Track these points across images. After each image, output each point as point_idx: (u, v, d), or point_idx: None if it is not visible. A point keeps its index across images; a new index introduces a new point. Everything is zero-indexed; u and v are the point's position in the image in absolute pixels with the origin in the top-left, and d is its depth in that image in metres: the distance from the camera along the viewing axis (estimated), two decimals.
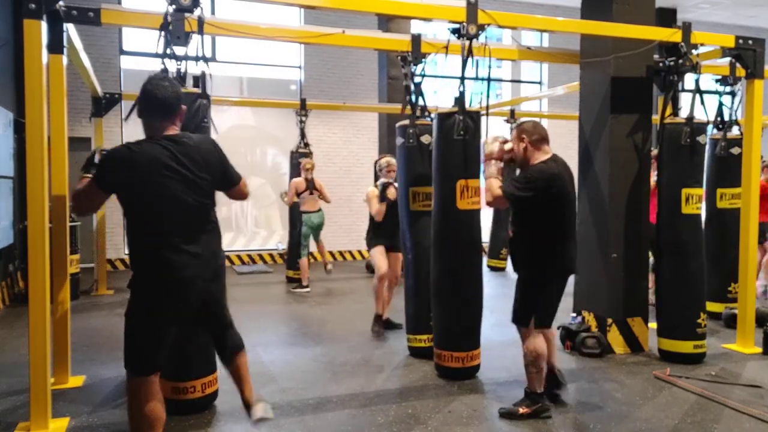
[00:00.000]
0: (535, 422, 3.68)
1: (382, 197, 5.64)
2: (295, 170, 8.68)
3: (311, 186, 7.91)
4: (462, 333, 4.44)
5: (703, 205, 6.45)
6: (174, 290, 2.76)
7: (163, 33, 3.81)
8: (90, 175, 2.84)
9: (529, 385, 3.79)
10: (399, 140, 4.98)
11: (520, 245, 3.79)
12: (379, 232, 5.78)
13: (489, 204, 3.84)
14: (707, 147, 6.30)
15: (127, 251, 10.96)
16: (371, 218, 5.83)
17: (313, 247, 8.31)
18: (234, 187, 3.05)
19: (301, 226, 7.98)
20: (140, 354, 2.76)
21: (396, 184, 5.70)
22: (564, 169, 3.75)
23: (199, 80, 3.87)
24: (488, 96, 4.40)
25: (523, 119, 10.96)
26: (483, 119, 4.44)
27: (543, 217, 3.66)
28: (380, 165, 5.85)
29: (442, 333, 4.51)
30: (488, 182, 3.80)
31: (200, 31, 3.77)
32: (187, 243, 2.74)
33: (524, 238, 3.75)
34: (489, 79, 4.39)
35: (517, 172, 4.00)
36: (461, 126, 4.29)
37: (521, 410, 3.72)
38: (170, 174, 2.70)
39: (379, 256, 5.73)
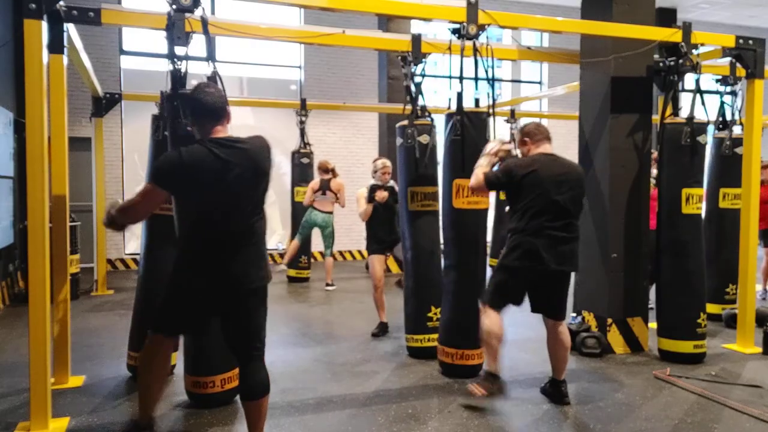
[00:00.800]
0: (534, 422, 3.69)
1: (370, 198, 5.68)
2: (297, 170, 8.68)
3: (325, 187, 7.92)
4: (466, 331, 4.46)
5: (704, 204, 6.47)
6: (204, 275, 2.88)
7: (167, 34, 3.80)
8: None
9: (486, 361, 3.88)
10: (398, 140, 5.00)
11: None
12: (376, 237, 5.79)
13: (472, 189, 3.98)
14: (711, 146, 6.34)
15: (127, 251, 10.87)
16: (368, 223, 5.82)
17: (316, 246, 8.30)
18: None
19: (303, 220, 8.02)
20: (162, 314, 3.05)
21: (391, 184, 5.74)
22: (550, 167, 3.77)
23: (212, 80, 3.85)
24: (494, 97, 4.43)
25: (523, 120, 11.00)
26: (488, 119, 4.47)
27: (515, 206, 3.81)
28: (375, 166, 5.87)
29: (447, 331, 4.56)
30: (475, 170, 3.93)
31: (205, 32, 3.75)
32: (225, 252, 2.84)
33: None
34: (493, 79, 4.40)
35: None
36: (458, 126, 4.35)
37: (474, 389, 3.81)
38: (213, 178, 2.78)
39: (376, 264, 5.73)
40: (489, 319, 3.80)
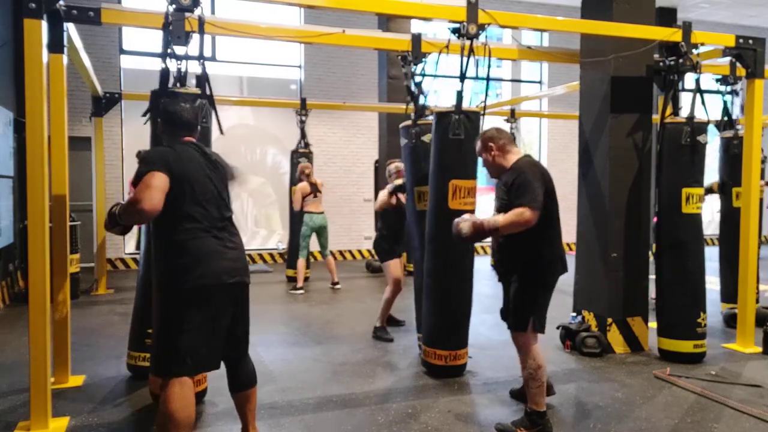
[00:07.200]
0: None
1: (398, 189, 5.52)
2: (296, 169, 8.68)
3: (315, 189, 7.95)
4: (449, 331, 4.47)
5: (719, 204, 6.46)
6: (216, 276, 2.81)
7: (163, 33, 3.81)
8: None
9: (530, 401, 3.47)
10: (403, 140, 4.99)
11: (514, 249, 3.50)
12: (396, 241, 5.63)
13: (529, 222, 3.31)
14: (721, 145, 6.33)
15: (127, 251, 10.83)
16: (384, 226, 5.70)
17: (312, 246, 8.32)
18: None
19: (301, 226, 7.99)
20: (190, 352, 2.77)
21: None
22: (543, 168, 3.61)
23: (200, 80, 3.87)
24: (486, 95, 4.41)
25: (523, 120, 10.97)
26: (482, 119, 4.46)
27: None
28: (389, 171, 5.79)
29: (432, 331, 4.56)
30: (503, 218, 3.36)
31: (201, 31, 3.76)
32: (224, 237, 2.88)
33: (519, 241, 3.42)
34: (488, 79, 4.39)
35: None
36: (457, 126, 4.31)
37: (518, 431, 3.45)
38: (207, 171, 2.90)
39: (399, 268, 5.58)
40: (537, 351, 3.46)
